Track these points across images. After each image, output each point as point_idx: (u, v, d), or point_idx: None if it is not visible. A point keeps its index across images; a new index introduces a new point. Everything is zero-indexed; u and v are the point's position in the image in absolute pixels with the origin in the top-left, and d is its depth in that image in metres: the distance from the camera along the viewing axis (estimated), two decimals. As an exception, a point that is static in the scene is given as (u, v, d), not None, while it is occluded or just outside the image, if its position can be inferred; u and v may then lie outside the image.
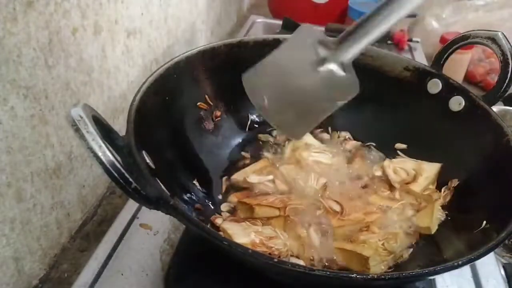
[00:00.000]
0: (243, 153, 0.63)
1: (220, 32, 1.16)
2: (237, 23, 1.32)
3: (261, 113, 0.47)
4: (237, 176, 0.57)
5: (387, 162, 0.60)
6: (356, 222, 0.51)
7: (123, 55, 0.65)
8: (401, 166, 0.59)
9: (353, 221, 0.51)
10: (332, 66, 0.40)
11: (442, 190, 0.56)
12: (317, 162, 0.60)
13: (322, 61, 0.41)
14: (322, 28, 1.11)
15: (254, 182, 0.56)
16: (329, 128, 0.67)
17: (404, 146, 0.64)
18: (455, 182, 0.55)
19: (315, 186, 0.55)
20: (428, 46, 1.16)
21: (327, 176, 0.57)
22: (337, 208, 0.52)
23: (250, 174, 0.57)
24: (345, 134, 0.67)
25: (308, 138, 0.63)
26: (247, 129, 0.65)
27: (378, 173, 0.60)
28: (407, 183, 0.57)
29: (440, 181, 0.57)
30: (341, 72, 0.40)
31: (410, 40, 1.15)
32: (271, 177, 0.56)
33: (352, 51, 0.40)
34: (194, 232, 0.45)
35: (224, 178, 0.58)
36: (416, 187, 0.57)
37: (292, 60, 0.43)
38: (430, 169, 0.58)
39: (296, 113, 0.44)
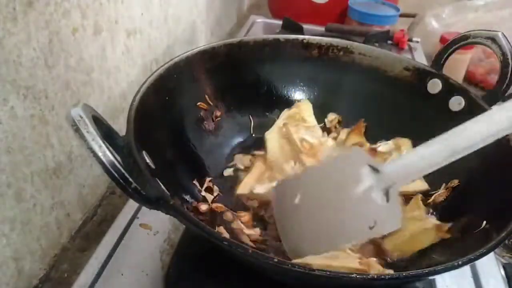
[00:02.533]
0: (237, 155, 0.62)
1: (220, 32, 1.16)
2: (237, 23, 1.32)
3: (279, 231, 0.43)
4: (241, 190, 0.56)
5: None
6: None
7: (123, 55, 0.65)
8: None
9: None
10: (375, 191, 0.37)
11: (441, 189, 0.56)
12: (303, 140, 0.60)
13: (365, 183, 0.37)
14: (322, 28, 1.12)
15: (261, 192, 0.54)
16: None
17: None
18: (455, 183, 0.55)
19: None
20: (428, 46, 1.16)
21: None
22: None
23: (255, 185, 0.56)
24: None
25: (306, 111, 0.64)
26: (251, 131, 0.66)
27: (383, 148, 0.61)
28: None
29: (440, 181, 0.57)
30: (383, 201, 0.37)
31: (410, 40, 1.15)
32: (275, 183, 0.56)
33: (402, 177, 0.36)
34: (194, 232, 0.45)
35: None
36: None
37: (333, 178, 0.40)
38: (416, 185, 0.57)
39: (322, 233, 0.40)
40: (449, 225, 0.49)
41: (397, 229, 0.48)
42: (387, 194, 0.36)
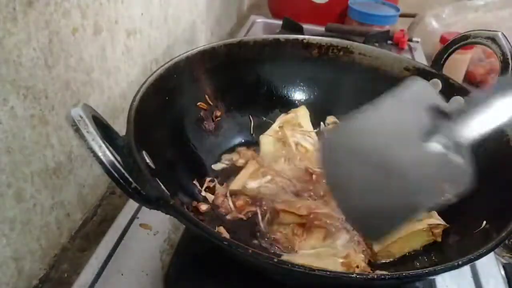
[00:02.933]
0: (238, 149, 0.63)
1: (220, 32, 1.16)
2: (237, 23, 1.32)
3: (334, 196, 0.36)
4: (235, 186, 0.56)
5: None
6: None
7: (123, 55, 0.65)
8: None
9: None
10: (444, 144, 0.30)
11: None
12: (298, 144, 0.61)
13: (432, 133, 0.30)
14: (322, 28, 1.12)
15: (254, 187, 0.55)
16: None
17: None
18: None
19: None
20: (428, 46, 1.16)
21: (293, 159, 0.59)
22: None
23: (248, 181, 0.56)
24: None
25: (303, 118, 0.64)
26: (251, 131, 0.66)
27: None
28: None
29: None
30: (454, 156, 0.30)
31: (410, 40, 1.15)
32: (269, 177, 0.56)
33: (477, 129, 0.29)
34: (194, 232, 0.45)
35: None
36: None
37: (392, 127, 0.32)
38: None
39: (382, 202, 0.32)
40: (440, 225, 0.49)
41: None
42: (457, 146, 0.29)
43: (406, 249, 0.49)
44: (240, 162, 0.60)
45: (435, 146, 0.30)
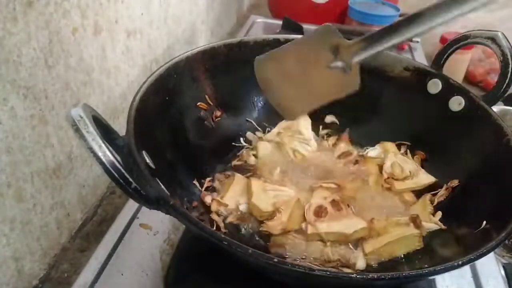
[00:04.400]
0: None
1: (220, 32, 1.16)
2: (237, 23, 1.32)
3: (265, 93, 0.51)
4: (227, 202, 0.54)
5: (392, 154, 0.61)
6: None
7: (123, 55, 0.65)
8: (401, 163, 0.60)
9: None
10: (340, 64, 0.45)
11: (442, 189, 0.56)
12: (296, 151, 0.61)
13: (334, 58, 0.46)
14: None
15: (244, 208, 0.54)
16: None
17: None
18: (455, 183, 0.55)
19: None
20: (428, 46, 1.16)
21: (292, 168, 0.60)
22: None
23: (239, 199, 0.54)
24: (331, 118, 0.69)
25: (304, 126, 0.64)
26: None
27: (372, 153, 0.62)
28: (394, 178, 0.59)
29: (439, 181, 0.57)
30: (347, 70, 0.45)
31: (410, 40, 1.15)
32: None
33: (361, 56, 0.45)
34: (194, 232, 0.45)
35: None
36: (399, 185, 0.58)
37: (308, 51, 0.48)
38: (423, 178, 0.59)
39: (298, 95, 0.49)
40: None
41: (384, 231, 0.50)
42: (349, 65, 0.45)
43: (396, 253, 0.50)
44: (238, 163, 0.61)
45: (334, 64, 0.45)
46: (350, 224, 0.50)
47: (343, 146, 0.64)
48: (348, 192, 0.56)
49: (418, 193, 0.58)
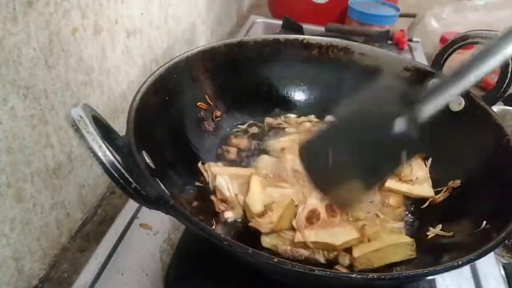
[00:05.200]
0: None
1: (220, 32, 1.16)
2: (237, 23, 1.32)
3: (312, 178, 0.43)
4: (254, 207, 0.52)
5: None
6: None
7: (123, 55, 0.65)
8: (414, 165, 0.58)
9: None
10: (406, 121, 0.37)
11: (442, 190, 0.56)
12: (296, 171, 0.57)
13: (398, 114, 0.37)
14: (322, 28, 1.12)
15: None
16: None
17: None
18: (457, 183, 0.55)
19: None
20: (428, 46, 1.16)
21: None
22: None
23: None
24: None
25: None
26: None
27: None
28: (398, 176, 0.58)
29: (439, 181, 0.57)
30: (414, 130, 0.37)
31: (410, 40, 1.15)
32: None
33: (430, 108, 0.37)
34: (194, 232, 0.45)
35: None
36: (392, 184, 0.56)
37: (365, 114, 0.39)
38: (422, 189, 0.57)
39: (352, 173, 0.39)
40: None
41: (376, 237, 0.49)
42: (416, 123, 0.37)
43: (386, 260, 0.48)
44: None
45: (400, 123, 0.37)
46: (341, 234, 0.48)
47: None
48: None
49: (407, 201, 0.56)
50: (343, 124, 0.40)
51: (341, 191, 0.40)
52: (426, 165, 0.60)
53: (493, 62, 0.36)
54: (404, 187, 0.57)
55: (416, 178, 0.57)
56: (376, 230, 0.50)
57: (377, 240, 0.49)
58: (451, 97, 0.37)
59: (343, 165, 0.38)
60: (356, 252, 0.48)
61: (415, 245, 0.49)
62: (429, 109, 0.37)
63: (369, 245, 0.48)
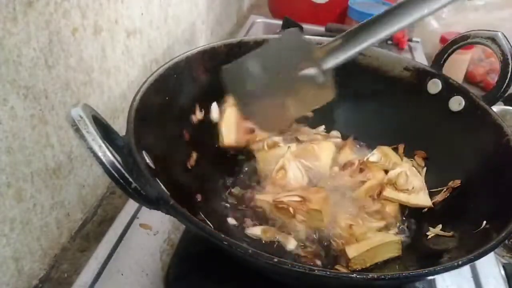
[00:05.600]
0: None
1: (220, 32, 1.16)
2: (237, 23, 1.32)
3: (238, 104, 0.49)
4: (227, 141, 0.58)
5: (406, 164, 0.59)
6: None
7: (123, 55, 0.64)
8: (410, 175, 0.57)
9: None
10: (312, 71, 0.43)
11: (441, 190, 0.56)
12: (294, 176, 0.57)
13: (305, 65, 0.43)
14: (322, 28, 1.11)
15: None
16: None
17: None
18: (457, 183, 0.55)
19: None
20: (428, 46, 1.16)
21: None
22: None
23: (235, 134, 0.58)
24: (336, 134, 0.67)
25: (326, 152, 0.60)
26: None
27: (373, 158, 0.61)
28: (394, 186, 0.56)
29: (439, 181, 0.57)
30: (320, 78, 0.43)
31: (410, 40, 1.15)
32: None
33: (333, 62, 0.42)
34: (194, 232, 0.45)
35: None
36: (390, 193, 0.55)
37: (277, 59, 0.45)
38: (419, 198, 0.56)
39: (272, 108, 0.46)
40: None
41: (364, 237, 0.50)
42: (322, 71, 0.42)
43: (378, 258, 0.49)
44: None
45: (306, 72, 0.43)
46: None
47: (346, 154, 0.62)
48: (313, 205, 0.51)
49: (404, 209, 0.56)
50: (262, 57, 0.46)
51: (264, 114, 0.47)
52: (421, 174, 0.59)
53: (393, 27, 0.41)
54: (401, 196, 0.56)
55: (413, 187, 0.56)
56: (363, 230, 0.50)
57: (367, 240, 0.49)
58: (349, 57, 0.42)
59: (264, 89, 0.45)
60: (351, 253, 0.48)
61: (401, 243, 0.50)
62: (330, 63, 0.42)
63: (362, 246, 0.49)
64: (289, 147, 0.60)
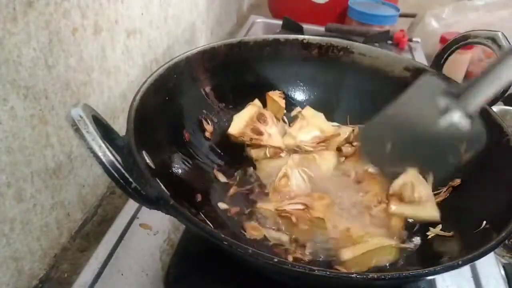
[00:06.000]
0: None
1: (220, 32, 1.16)
2: (237, 23, 1.32)
3: (375, 165, 0.49)
4: (233, 131, 0.59)
5: (410, 175, 0.53)
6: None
7: (123, 55, 0.65)
8: (416, 184, 0.53)
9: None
10: (456, 116, 0.39)
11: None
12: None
13: (445, 110, 0.39)
14: (322, 28, 1.12)
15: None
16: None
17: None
18: (457, 182, 0.55)
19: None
20: (428, 46, 1.16)
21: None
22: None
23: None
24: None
25: (327, 161, 0.60)
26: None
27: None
28: (399, 198, 0.53)
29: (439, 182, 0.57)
30: (466, 122, 0.39)
31: (410, 40, 1.15)
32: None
33: (478, 100, 0.38)
34: (194, 232, 0.45)
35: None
36: (396, 207, 0.53)
37: (415, 110, 0.43)
38: (427, 211, 0.52)
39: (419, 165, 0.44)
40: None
41: (361, 240, 0.48)
42: (467, 115, 0.38)
43: (373, 263, 0.47)
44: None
45: (449, 118, 0.39)
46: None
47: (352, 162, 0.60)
48: (316, 213, 0.51)
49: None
50: (397, 118, 0.44)
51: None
52: (428, 180, 0.54)
53: None
54: (408, 210, 0.52)
55: (420, 197, 0.52)
56: (361, 233, 0.49)
57: (364, 243, 0.48)
58: (496, 87, 0.38)
59: (402, 154, 0.43)
60: (346, 255, 0.47)
61: (399, 248, 0.48)
62: (476, 100, 0.38)
63: (358, 248, 0.47)
64: (291, 155, 0.60)
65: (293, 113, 0.66)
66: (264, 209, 0.53)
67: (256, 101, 0.63)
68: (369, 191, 0.56)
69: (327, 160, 0.60)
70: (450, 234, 0.49)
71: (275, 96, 0.64)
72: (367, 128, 0.46)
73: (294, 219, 0.50)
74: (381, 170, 0.49)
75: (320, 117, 0.64)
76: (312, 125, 0.63)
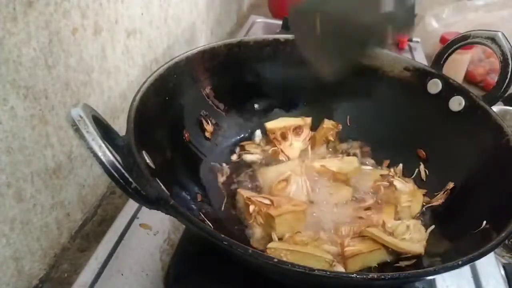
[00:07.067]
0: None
1: (220, 32, 1.16)
2: (237, 23, 1.32)
3: (301, 46, 0.48)
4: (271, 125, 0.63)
5: (410, 222, 0.52)
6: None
7: (123, 55, 0.65)
8: (413, 229, 0.51)
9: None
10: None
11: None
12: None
13: None
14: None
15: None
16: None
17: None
18: (450, 186, 0.55)
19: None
20: (428, 46, 1.16)
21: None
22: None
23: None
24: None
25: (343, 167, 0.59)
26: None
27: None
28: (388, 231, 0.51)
29: (439, 182, 0.57)
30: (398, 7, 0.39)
31: (410, 40, 1.15)
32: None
33: None
34: (194, 232, 0.45)
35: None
36: (379, 233, 0.49)
37: None
38: (410, 245, 0.49)
39: (340, 43, 0.44)
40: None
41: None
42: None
43: (360, 265, 0.47)
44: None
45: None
46: None
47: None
48: (272, 211, 0.50)
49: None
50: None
51: (329, 59, 0.46)
52: (426, 231, 0.52)
53: None
54: (389, 240, 0.48)
55: (410, 238, 0.50)
56: (355, 251, 0.48)
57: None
58: None
59: (332, 35, 0.43)
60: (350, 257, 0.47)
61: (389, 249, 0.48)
62: None
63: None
64: (300, 162, 0.60)
65: (345, 146, 0.66)
66: (240, 195, 0.54)
67: (310, 120, 0.66)
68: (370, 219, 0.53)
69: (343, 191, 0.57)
70: (449, 235, 0.49)
71: (328, 124, 0.65)
72: (297, 12, 0.44)
73: (251, 208, 0.50)
74: (314, 61, 0.49)
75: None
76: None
